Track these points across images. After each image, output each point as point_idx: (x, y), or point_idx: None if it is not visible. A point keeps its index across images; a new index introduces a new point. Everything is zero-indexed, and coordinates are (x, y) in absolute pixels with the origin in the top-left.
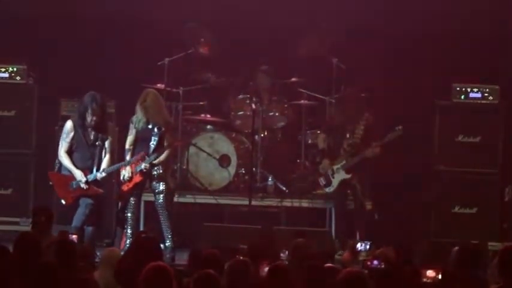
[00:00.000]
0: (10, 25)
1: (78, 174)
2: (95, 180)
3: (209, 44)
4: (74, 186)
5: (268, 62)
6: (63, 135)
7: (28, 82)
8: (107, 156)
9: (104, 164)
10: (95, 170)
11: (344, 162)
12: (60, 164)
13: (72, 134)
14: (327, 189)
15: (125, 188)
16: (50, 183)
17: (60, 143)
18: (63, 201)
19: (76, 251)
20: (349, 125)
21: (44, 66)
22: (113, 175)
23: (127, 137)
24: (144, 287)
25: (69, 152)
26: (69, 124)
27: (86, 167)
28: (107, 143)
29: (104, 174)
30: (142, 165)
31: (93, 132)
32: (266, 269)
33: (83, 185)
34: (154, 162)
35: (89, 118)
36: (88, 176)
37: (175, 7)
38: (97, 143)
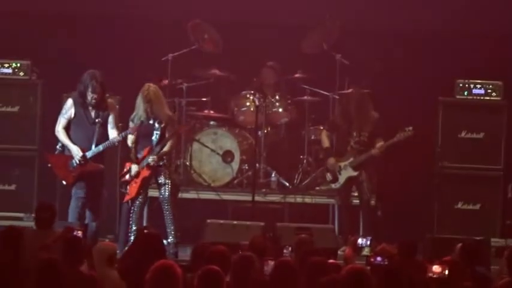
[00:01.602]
0: (14, 21)
1: (75, 149)
2: (96, 157)
3: (213, 40)
4: (74, 164)
5: (272, 58)
6: (62, 111)
7: (31, 78)
8: (113, 131)
9: (110, 137)
10: (93, 146)
11: (352, 159)
12: (63, 148)
13: (71, 110)
14: (333, 186)
15: (133, 184)
16: (49, 165)
17: (58, 119)
18: (64, 182)
19: (83, 247)
20: (354, 122)
21: (47, 62)
22: (117, 172)
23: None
24: (151, 285)
25: (67, 130)
26: (69, 101)
27: (86, 146)
28: (110, 118)
29: (101, 148)
30: (150, 158)
31: (93, 111)
32: (270, 265)
33: (78, 160)
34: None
35: (89, 96)
36: (87, 153)
37: (180, 3)
38: (97, 120)
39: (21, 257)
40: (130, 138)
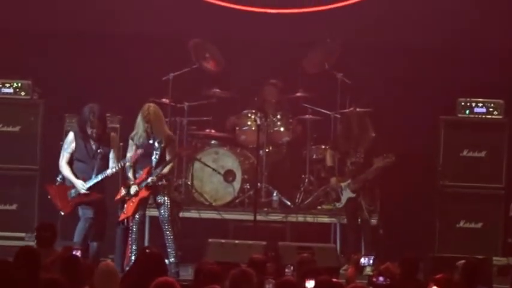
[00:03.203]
0: (15, 41)
1: (79, 184)
2: (95, 187)
3: (214, 59)
4: (73, 194)
5: (273, 77)
6: (65, 146)
7: (33, 97)
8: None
9: (109, 171)
10: (93, 176)
11: (349, 181)
12: (63, 178)
13: (73, 145)
14: (337, 205)
15: (130, 204)
16: (48, 196)
17: (61, 153)
18: (62, 212)
19: (81, 267)
20: (355, 142)
21: (48, 82)
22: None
23: (126, 154)
24: None
25: (71, 163)
26: (71, 135)
27: (87, 178)
28: (111, 153)
29: (99, 178)
30: (149, 179)
31: (95, 144)
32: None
33: (83, 192)
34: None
35: (89, 131)
36: (86, 182)
37: (181, 22)
38: (99, 151)
39: (38, 277)
40: (129, 157)
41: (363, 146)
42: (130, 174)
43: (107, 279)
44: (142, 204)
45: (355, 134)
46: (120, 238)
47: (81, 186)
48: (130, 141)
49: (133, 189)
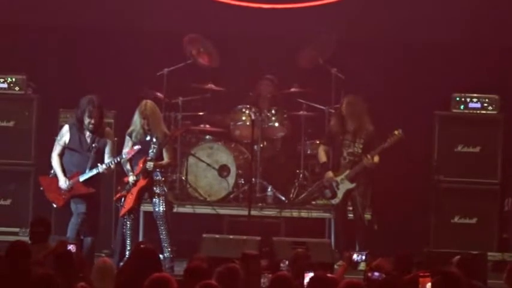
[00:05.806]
0: (9, 35)
1: (62, 180)
2: (90, 180)
3: (209, 54)
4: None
5: (267, 72)
6: (58, 138)
7: (27, 92)
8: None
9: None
10: (87, 170)
11: (348, 172)
12: None
13: (66, 136)
14: (333, 201)
15: (129, 196)
16: (41, 188)
17: (54, 145)
18: (54, 205)
19: (74, 262)
20: (348, 126)
21: (43, 77)
22: (113, 187)
23: (123, 150)
24: None
25: (62, 155)
26: (65, 127)
27: (82, 172)
28: (107, 147)
29: (94, 172)
30: (147, 165)
31: (90, 136)
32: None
33: (64, 189)
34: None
35: (86, 121)
36: (80, 177)
37: (175, 18)
38: (94, 145)
39: (30, 270)
40: (126, 150)
41: (361, 133)
42: (128, 167)
43: (103, 275)
44: (141, 196)
45: (348, 117)
46: (120, 232)
47: (63, 183)
48: (127, 138)
49: (131, 178)
